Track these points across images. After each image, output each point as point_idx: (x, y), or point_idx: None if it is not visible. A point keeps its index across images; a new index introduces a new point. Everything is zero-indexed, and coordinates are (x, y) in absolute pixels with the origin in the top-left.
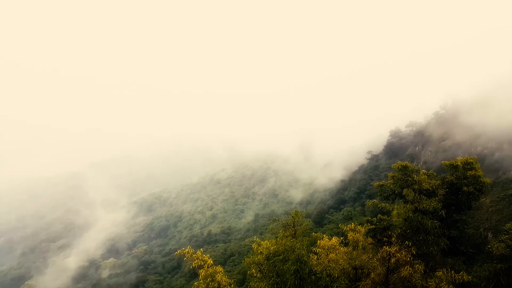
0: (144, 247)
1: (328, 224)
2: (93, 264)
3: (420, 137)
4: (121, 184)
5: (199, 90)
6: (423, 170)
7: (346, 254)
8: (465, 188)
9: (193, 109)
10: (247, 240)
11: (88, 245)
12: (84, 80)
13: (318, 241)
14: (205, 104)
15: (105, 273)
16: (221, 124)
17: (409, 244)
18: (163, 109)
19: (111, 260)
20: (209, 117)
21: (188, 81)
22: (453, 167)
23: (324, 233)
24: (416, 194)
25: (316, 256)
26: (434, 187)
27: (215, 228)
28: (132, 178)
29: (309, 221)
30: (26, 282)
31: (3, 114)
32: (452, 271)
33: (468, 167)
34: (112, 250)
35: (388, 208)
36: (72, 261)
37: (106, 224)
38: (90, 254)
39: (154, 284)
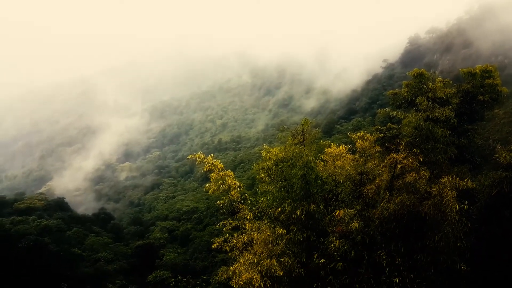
0: (158, 153)
1: (337, 134)
2: (110, 168)
3: (440, 45)
4: (131, 90)
5: None
6: (439, 78)
7: (352, 161)
8: (480, 97)
9: (203, 10)
10: (256, 148)
11: (104, 150)
12: None
13: (326, 149)
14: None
15: (122, 176)
16: (233, 27)
17: (416, 151)
18: (172, 10)
19: (127, 164)
20: (221, 18)
21: None
22: (471, 75)
23: (332, 142)
24: (429, 103)
25: (322, 163)
26: (448, 95)
27: (225, 137)
28: (141, 85)
29: (318, 130)
30: (47, 183)
31: (10, 17)
32: (457, 178)
33: (487, 75)
34: (127, 155)
35: (399, 116)
36: (89, 164)
37: (120, 129)
38: (106, 158)
39: (169, 187)
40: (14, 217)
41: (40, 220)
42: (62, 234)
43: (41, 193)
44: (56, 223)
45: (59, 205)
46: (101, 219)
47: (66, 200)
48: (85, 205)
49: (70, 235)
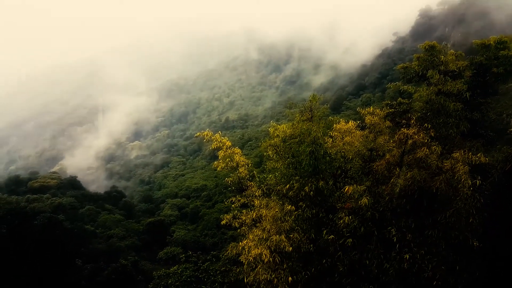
0: (167, 131)
1: (346, 111)
2: (120, 146)
3: (452, 17)
4: (138, 70)
5: None
6: (451, 51)
7: (362, 137)
8: (494, 69)
9: None
10: (264, 126)
11: (114, 129)
12: None
13: (334, 125)
14: None
15: (132, 154)
16: (240, 3)
17: (428, 126)
18: None
19: (137, 142)
20: None
21: None
22: (484, 47)
23: (341, 118)
24: (441, 76)
25: (331, 140)
26: (461, 68)
27: (232, 115)
28: (149, 64)
29: (327, 106)
30: (59, 162)
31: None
32: (470, 153)
33: (501, 46)
34: (137, 134)
35: (410, 91)
36: (100, 143)
37: (129, 108)
38: (116, 137)
39: (178, 165)
40: (29, 195)
41: (54, 198)
42: (76, 212)
43: (54, 172)
44: (69, 201)
45: (72, 184)
46: (113, 197)
47: (78, 178)
48: (97, 183)
49: (83, 213)
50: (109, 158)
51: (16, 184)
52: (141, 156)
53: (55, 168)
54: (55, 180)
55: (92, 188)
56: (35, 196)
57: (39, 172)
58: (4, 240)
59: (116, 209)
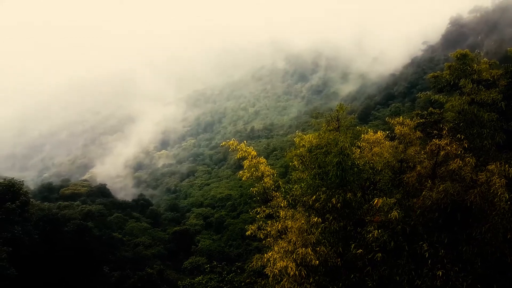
0: (193, 141)
1: (374, 121)
2: (148, 155)
3: (484, 24)
4: (166, 81)
5: None
6: (484, 59)
7: (391, 148)
8: None
9: None
10: (289, 136)
11: (142, 138)
12: None
13: (362, 135)
14: None
15: (159, 163)
16: (267, 14)
17: (461, 137)
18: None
19: (164, 151)
20: (255, 6)
21: None
22: None
23: (369, 128)
24: (474, 85)
25: (359, 150)
26: (495, 77)
27: (258, 124)
28: (176, 75)
29: (354, 116)
30: (90, 170)
31: (56, 16)
32: (506, 165)
33: None
34: (164, 143)
35: (442, 100)
36: (129, 152)
37: (157, 118)
38: (145, 146)
39: (203, 174)
40: (60, 202)
41: (84, 205)
42: (104, 219)
43: (84, 180)
44: (98, 208)
45: (101, 191)
46: (140, 205)
47: (107, 186)
48: (125, 191)
49: (111, 220)
50: (137, 167)
51: (48, 191)
52: (168, 165)
53: (86, 176)
54: (86, 188)
55: (121, 195)
56: (66, 203)
57: (71, 179)
58: (36, 245)
59: (143, 217)
